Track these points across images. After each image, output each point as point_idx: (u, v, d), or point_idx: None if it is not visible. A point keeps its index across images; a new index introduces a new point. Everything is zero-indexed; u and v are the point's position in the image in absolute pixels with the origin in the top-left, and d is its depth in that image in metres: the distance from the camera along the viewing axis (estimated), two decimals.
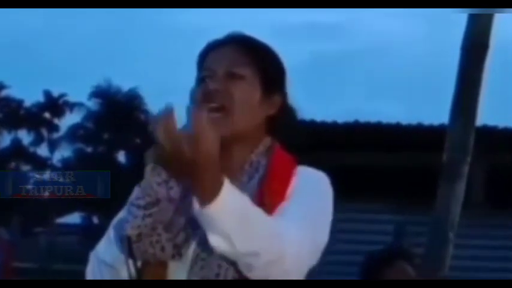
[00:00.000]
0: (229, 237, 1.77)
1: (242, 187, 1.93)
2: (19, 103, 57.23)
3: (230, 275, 1.89)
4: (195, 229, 1.91)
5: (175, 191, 1.89)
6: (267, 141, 2.03)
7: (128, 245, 1.88)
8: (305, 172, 2.01)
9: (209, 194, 1.75)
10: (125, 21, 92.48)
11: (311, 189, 1.97)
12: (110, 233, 1.98)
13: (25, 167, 57.53)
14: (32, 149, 57.54)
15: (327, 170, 2.05)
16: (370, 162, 11.76)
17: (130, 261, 1.89)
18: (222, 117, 1.94)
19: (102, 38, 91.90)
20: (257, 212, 1.82)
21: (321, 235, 1.96)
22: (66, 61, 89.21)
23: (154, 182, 1.87)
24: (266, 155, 2.01)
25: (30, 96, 71.49)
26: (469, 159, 6.20)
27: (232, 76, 1.97)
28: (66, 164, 55.29)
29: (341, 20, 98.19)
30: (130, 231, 1.87)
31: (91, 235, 38.77)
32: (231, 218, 1.76)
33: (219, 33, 2.08)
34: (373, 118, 12.41)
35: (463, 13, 6.34)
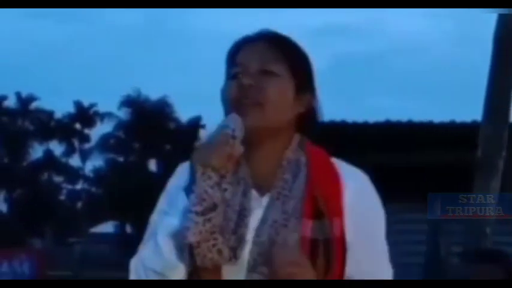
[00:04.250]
0: None
1: (287, 186, 1.94)
2: (50, 114, 57.67)
3: None
4: (247, 231, 1.90)
5: (229, 192, 1.90)
6: (297, 137, 2.03)
7: (189, 253, 1.85)
8: (352, 177, 2.02)
9: None
10: (154, 29, 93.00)
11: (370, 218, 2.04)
12: (159, 242, 1.91)
13: (57, 178, 57.96)
14: (63, 160, 57.93)
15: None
16: (402, 161, 11.68)
17: (193, 269, 1.86)
18: (257, 111, 1.95)
19: (131, 47, 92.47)
20: None
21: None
22: (95, 71, 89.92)
23: (208, 186, 1.87)
24: (300, 151, 2.01)
25: (61, 107, 72.08)
26: (503, 153, 6.13)
27: (265, 73, 1.97)
28: (98, 174, 55.62)
29: (368, 21, 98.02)
30: (193, 238, 1.84)
31: (123, 244, 38.98)
32: None
33: None
34: (404, 117, 12.36)
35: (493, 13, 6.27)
